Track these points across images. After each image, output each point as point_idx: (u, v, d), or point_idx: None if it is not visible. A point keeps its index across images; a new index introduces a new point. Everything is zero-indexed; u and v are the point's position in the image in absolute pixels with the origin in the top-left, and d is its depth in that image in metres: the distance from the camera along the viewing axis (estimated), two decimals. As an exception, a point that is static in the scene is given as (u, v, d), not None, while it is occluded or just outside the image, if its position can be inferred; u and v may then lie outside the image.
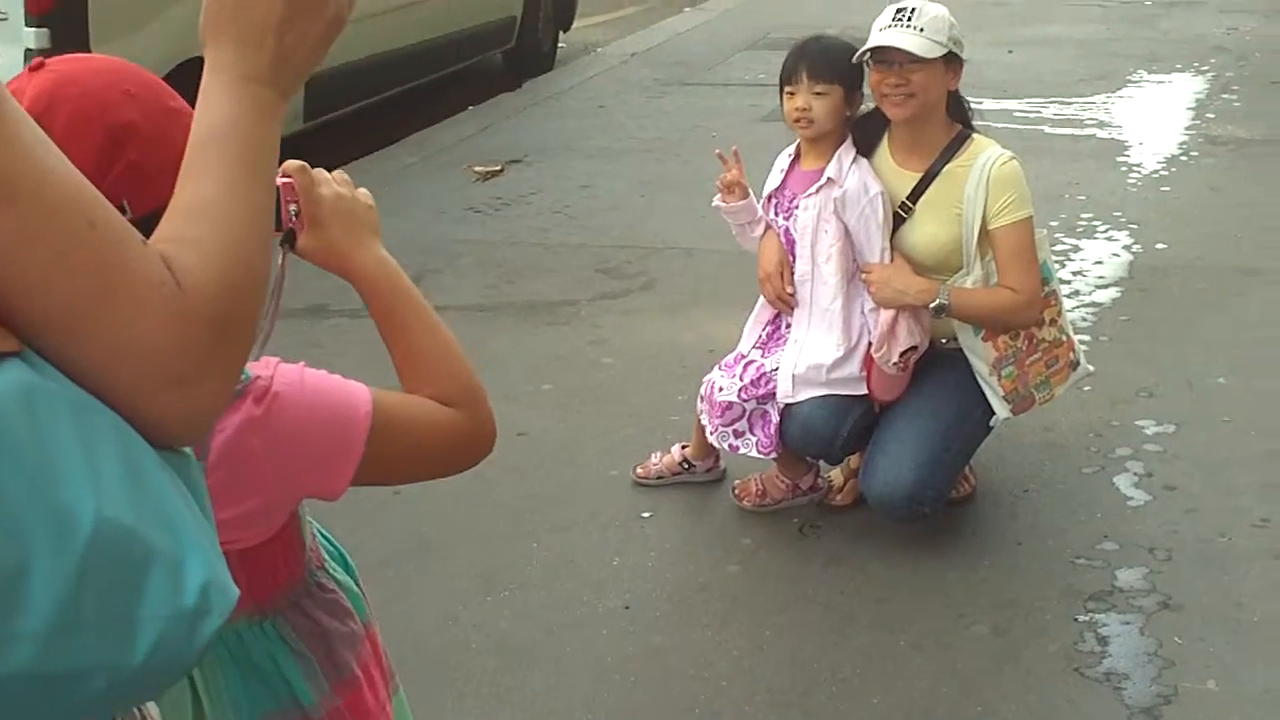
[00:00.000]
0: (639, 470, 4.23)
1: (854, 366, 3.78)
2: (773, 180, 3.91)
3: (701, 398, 3.99)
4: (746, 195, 3.91)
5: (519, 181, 7.52)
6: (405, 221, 6.80)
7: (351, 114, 8.30)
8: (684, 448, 4.19)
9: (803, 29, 5.25)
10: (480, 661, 3.40)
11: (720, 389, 3.89)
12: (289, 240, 1.60)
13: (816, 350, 3.80)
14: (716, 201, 3.94)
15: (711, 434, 3.94)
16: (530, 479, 4.28)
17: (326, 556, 1.70)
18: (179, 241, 1.11)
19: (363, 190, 1.67)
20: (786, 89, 3.78)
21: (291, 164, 1.59)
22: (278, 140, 1.22)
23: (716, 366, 3.97)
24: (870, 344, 3.74)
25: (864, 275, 3.73)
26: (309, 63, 1.25)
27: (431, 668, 3.35)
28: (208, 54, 1.23)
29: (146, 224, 1.29)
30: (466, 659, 3.41)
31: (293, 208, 1.59)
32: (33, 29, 5.96)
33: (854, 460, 4.05)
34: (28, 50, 5.89)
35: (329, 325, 5.47)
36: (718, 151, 3.99)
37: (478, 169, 7.65)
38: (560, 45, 11.26)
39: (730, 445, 3.93)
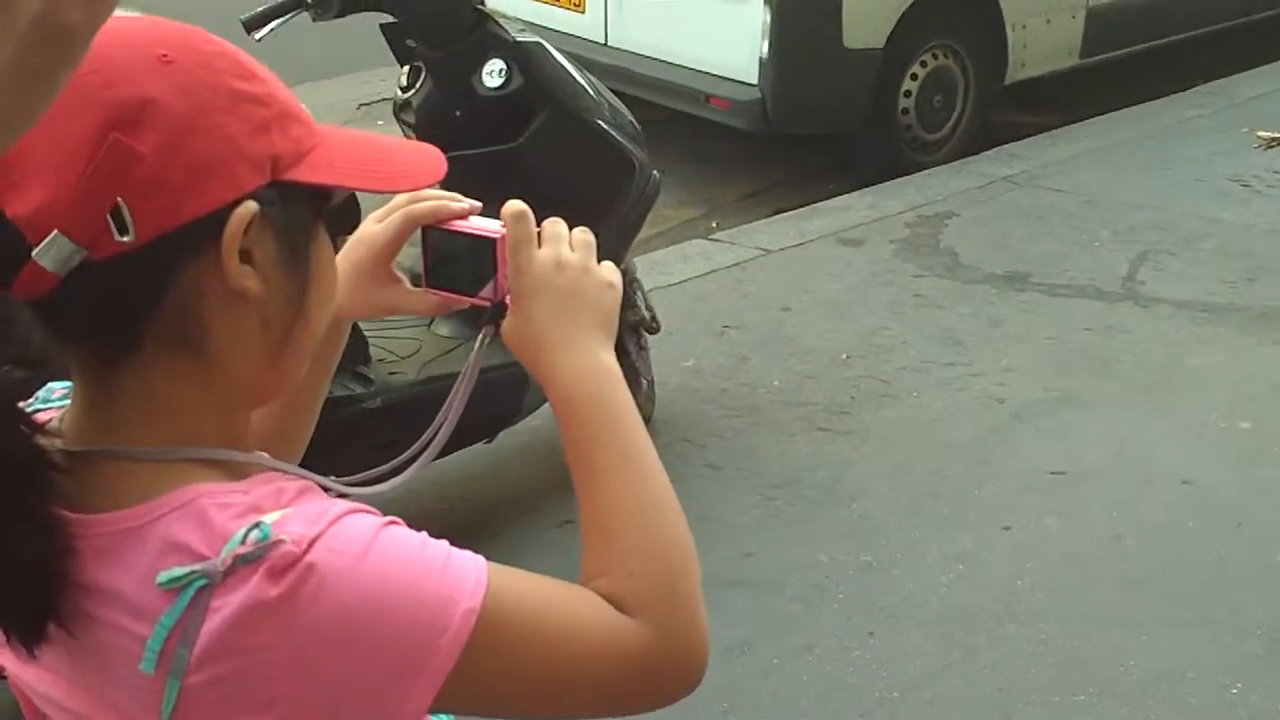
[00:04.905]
0: (1315, 567, 3.33)
1: None
2: None
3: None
4: None
5: (1311, 154, 6.39)
6: (1153, 185, 5.97)
7: (1143, 52, 7.41)
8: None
9: None
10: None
11: None
12: (496, 318, 1.12)
13: None
14: None
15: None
16: (1178, 545, 3.50)
17: None
18: None
19: (608, 264, 1.13)
20: None
21: (511, 208, 1.10)
22: None
23: None
24: None
25: None
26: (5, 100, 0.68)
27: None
28: None
29: (157, 253, 0.91)
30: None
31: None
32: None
33: None
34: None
35: (1020, 300, 4.84)
36: None
37: (1263, 134, 6.57)
38: None
39: None
